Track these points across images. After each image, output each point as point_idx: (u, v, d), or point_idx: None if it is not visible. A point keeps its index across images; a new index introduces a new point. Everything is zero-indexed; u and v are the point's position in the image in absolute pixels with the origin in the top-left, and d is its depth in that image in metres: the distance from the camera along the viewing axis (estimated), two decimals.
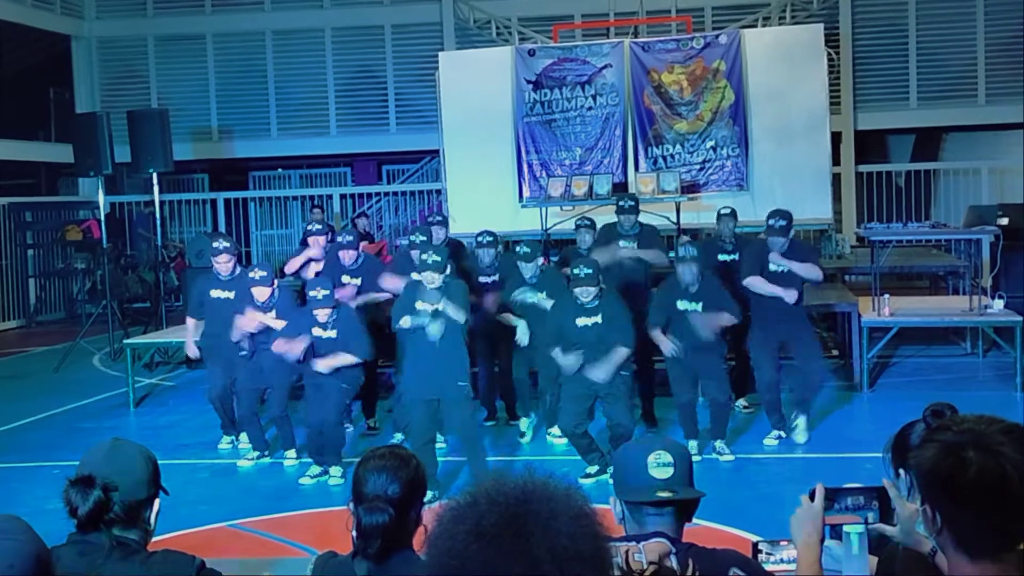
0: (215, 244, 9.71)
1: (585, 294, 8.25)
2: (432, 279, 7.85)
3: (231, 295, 9.35)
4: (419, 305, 7.92)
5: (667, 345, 8.71)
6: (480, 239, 10.03)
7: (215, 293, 9.50)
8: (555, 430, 9.35)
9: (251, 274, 9.05)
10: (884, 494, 2.83)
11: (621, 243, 10.11)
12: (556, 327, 8.47)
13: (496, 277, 9.78)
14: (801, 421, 9.16)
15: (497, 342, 9.71)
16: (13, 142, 18.58)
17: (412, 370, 8.25)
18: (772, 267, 9.11)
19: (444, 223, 10.82)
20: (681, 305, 8.87)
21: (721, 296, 8.91)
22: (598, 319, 8.27)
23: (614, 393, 8.32)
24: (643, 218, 11.03)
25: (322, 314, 8.44)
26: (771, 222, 9.12)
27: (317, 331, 8.49)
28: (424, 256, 7.98)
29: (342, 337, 8.52)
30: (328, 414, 8.51)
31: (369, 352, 8.71)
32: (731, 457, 8.78)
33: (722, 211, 10.57)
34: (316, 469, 8.63)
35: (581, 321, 8.30)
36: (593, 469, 8.23)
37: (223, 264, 9.45)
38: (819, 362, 9.59)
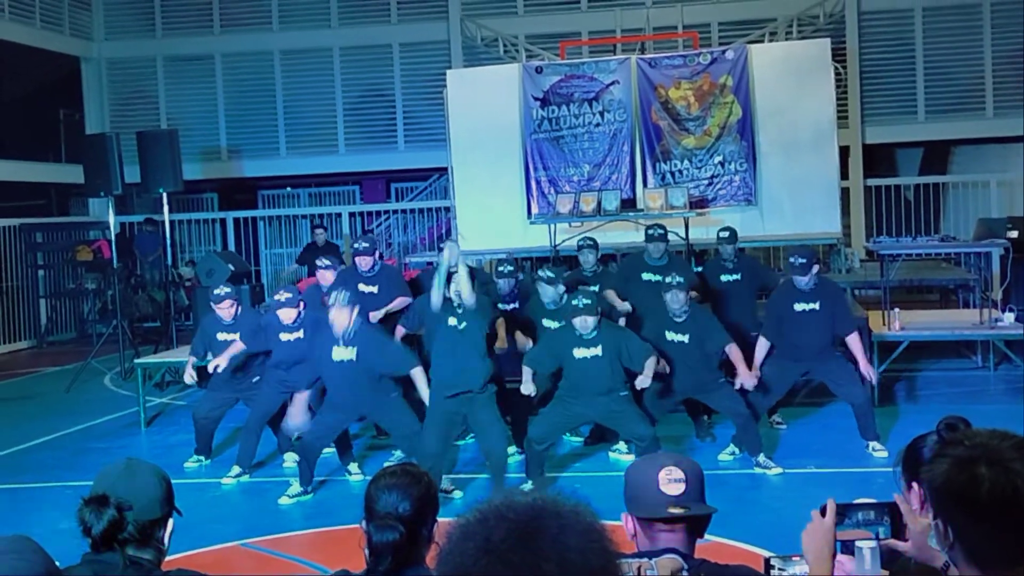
0: (216, 292, 9.84)
1: (583, 325, 8.18)
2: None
3: (236, 336, 9.44)
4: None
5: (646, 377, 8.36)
6: (500, 269, 9.92)
7: (222, 336, 9.58)
8: (621, 445, 9.28)
9: (276, 296, 9.15)
10: (895, 509, 2.83)
11: (644, 276, 10.06)
12: (551, 355, 8.43)
13: (515, 305, 9.73)
14: (874, 444, 9.07)
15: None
16: (24, 163, 18.67)
17: (436, 378, 8.20)
18: (798, 307, 9.10)
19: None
20: (669, 336, 8.84)
21: (709, 326, 8.87)
22: (598, 351, 8.18)
23: (617, 412, 8.31)
24: None
25: (339, 319, 8.24)
26: (791, 260, 9.16)
27: (337, 353, 8.29)
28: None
29: (364, 359, 8.25)
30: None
31: (411, 361, 8.40)
32: (779, 470, 8.68)
33: (721, 233, 10.48)
34: (296, 488, 8.60)
35: (579, 352, 8.21)
36: (527, 487, 7.71)
37: (226, 310, 9.64)
38: (855, 384, 9.23)
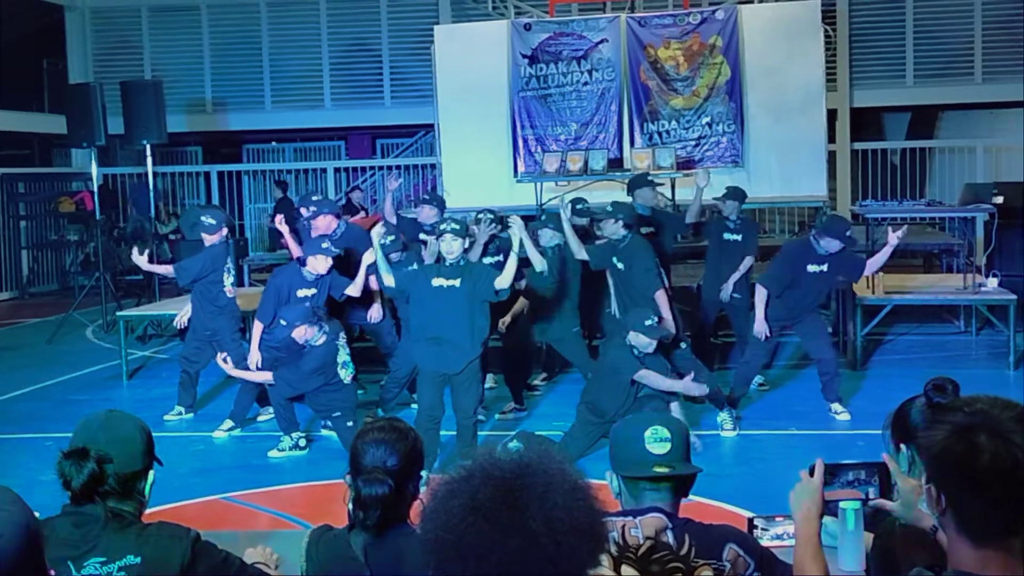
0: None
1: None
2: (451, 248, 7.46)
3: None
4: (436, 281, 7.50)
5: None
6: (480, 218, 9.63)
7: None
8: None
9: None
10: (884, 469, 2.83)
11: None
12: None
13: (500, 258, 9.34)
14: (836, 406, 9.09)
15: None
16: (6, 113, 18.49)
17: (425, 344, 7.68)
18: (811, 268, 9.00)
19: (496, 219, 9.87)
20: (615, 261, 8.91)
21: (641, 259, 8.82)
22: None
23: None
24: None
25: None
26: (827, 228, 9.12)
27: None
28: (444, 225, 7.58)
29: None
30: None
31: None
32: (733, 433, 8.67)
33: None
34: (287, 442, 8.57)
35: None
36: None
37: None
38: (826, 343, 9.27)
